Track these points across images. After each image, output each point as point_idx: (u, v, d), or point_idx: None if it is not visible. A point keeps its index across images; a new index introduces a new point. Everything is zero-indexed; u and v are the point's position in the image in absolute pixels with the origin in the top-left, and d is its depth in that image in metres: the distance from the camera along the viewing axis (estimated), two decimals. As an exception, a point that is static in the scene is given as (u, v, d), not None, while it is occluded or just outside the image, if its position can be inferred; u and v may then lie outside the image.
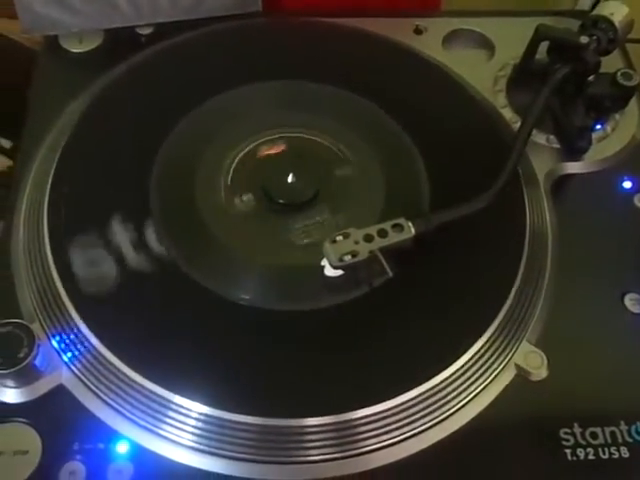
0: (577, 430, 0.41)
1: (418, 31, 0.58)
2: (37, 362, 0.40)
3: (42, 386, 0.40)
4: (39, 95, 0.53)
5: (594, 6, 0.59)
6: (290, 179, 0.48)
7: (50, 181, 0.46)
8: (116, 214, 0.46)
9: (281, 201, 0.47)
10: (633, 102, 0.53)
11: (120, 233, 0.45)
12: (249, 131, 0.51)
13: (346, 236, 0.42)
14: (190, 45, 0.55)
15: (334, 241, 0.42)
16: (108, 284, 0.43)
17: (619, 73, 0.50)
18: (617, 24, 0.51)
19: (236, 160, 0.49)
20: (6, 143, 0.58)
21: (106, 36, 0.56)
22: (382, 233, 0.43)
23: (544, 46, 0.52)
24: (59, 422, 0.40)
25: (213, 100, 0.52)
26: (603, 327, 0.45)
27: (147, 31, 0.57)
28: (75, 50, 0.56)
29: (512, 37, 0.56)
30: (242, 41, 0.56)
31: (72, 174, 0.47)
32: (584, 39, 0.49)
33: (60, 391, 0.40)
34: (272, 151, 0.50)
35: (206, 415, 0.39)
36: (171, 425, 0.39)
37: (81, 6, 0.55)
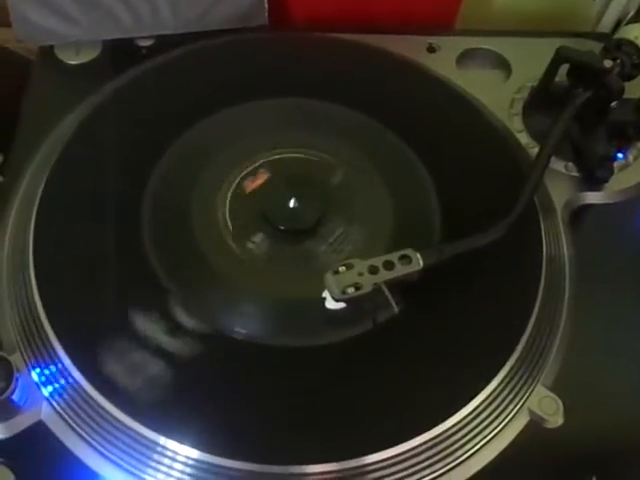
0: (595, 484, 0.38)
1: (431, 49, 0.56)
2: (15, 397, 0.37)
3: (20, 422, 0.38)
4: (32, 108, 0.51)
5: (615, 28, 0.57)
6: (292, 204, 0.45)
7: (37, 202, 0.44)
8: (107, 243, 0.43)
9: (284, 228, 0.44)
10: (657, 130, 0.50)
11: (108, 260, 0.42)
12: (249, 154, 0.48)
13: (349, 267, 0.40)
14: (190, 59, 0.53)
15: (336, 272, 0.39)
16: (94, 315, 0.40)
17: (643, 99, 0.48)
18: (642, 48, 0.49)
19: (234, 186, 0.47)
20: (-3, 157, 0.56)
21: (104, 47, 0.54)
22: (388, 265, 0.40)
23: (564, 68, 0.49)
24: (37, 462, 0.37)
25: (206, 122, 0.49)
26: (623, 371, 0.42)
27: (147, 43, 0.55)
28: (71, 61, 0.54)
29: (530, 58, 0.54)
30: (244, 55, 0.54)
31: (61, 196, 0.45)
32: (608, 63, 0.47)
33: (39, 428, 0.38)
34: (272, 175, 0.47)
35: (195, 460, 0.36)
36: (157, 469, 0.36)
37: (79, 16, 0.53)
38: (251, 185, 0.47)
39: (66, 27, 0.53)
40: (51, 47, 0.54)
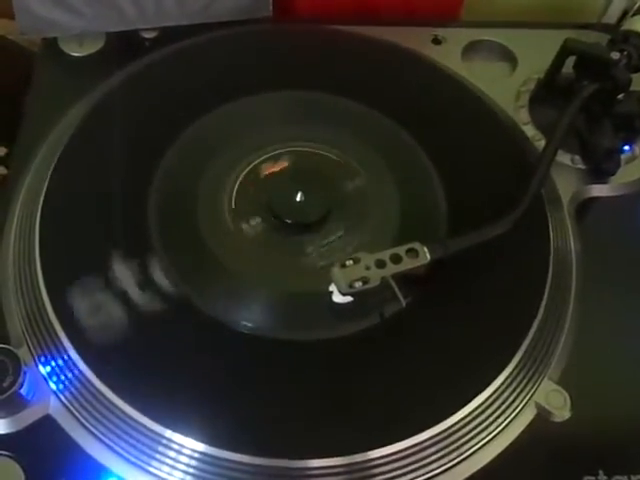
0: (602, 478, 0.38)
1: (437, 41, 0.56)
2: (23, 391, 0.37)
3: (27, 416, 0.38)
4: (36, 101, 0.51)
5: (621, 19, 0.57)
6: (299, 197, 0.45)
7: (43, 195, 0.43)
8: (113, 234, 0.43)
9: (290, 221, 0.44)
10: (664, 122, 0.50)
11: (116, 255, 0.42)
12: (254, 147, 0.48)
13: (356, 261, 0.40)
14: (194, 52, 0.53)
15: (344, 266, 0.39)
16: (101, 309, 0.40)
17: (650, 91, 0.48)
18: (650, 40, 0.48)
19: (239, 179, 0.46)
20: (1, 150, 0.55)
21: (108, 39, 0.54)
22: (395, 258, 0.40)
23: (570, 60, 0.49)
24: (44, 456, 0.37)
25: (214, 113, 0.49)
26: (631, 365, 0.42)
27: (151, 35, 0.55)
28: (75, 54, 0.53)
29: (536, 50, 0.54)
30: (249, 48, 0.54)
31: (66, 189, 0.44)
32: (615, 55, 0.47)
33: (47, 422, 0.38)
34: (277, 168, 0.47)
35: (201, 453, 0.36)
36: (162, 462, 0.36)
37: (82, 8, 0.52)
38: (268, 169, 0.47)
39: (70, 19, 0.53)
40: (54, 39, 0.54)
